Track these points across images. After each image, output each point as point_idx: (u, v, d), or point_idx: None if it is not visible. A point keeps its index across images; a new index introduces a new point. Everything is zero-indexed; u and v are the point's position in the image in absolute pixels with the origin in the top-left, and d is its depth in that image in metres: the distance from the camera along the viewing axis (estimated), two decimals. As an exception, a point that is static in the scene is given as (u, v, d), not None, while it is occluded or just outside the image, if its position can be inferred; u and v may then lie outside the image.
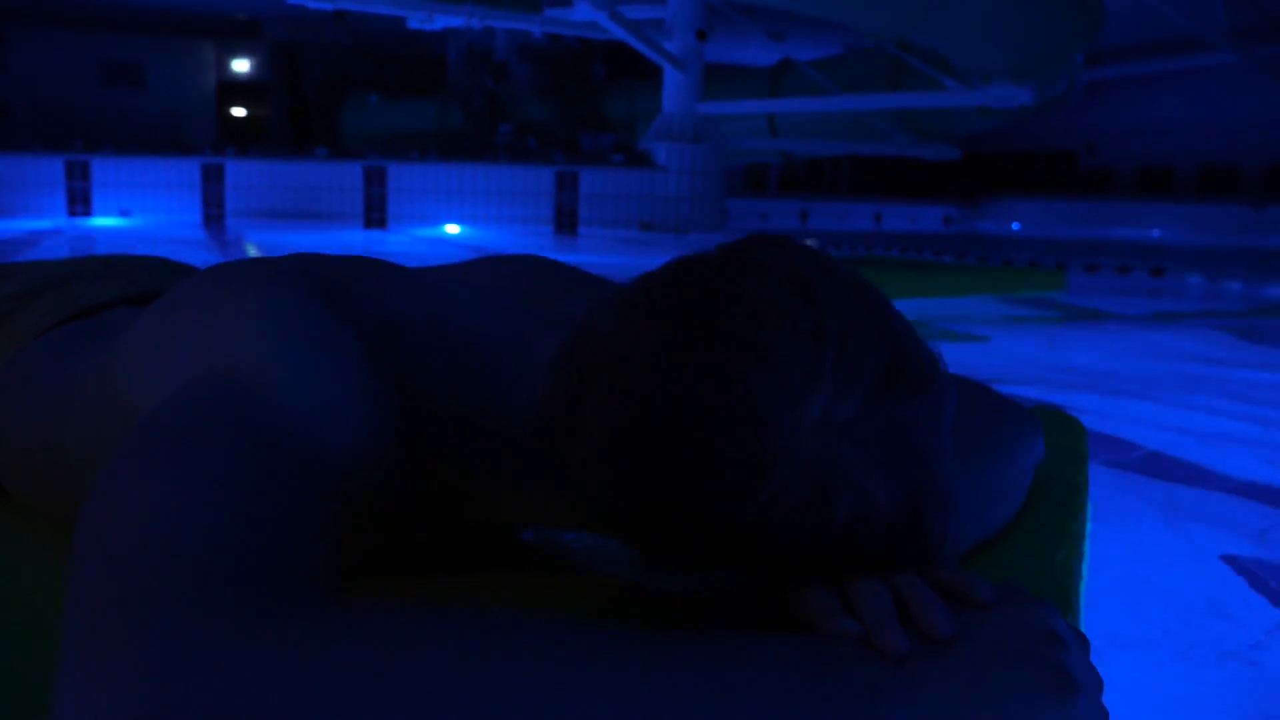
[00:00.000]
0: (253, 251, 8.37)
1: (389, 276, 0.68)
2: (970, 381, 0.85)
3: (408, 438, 0.61)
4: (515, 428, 0.61)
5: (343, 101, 22.24)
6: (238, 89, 24.43)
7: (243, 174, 13.69)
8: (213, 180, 13.62)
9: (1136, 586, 1.61)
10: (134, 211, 13.34)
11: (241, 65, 24.36)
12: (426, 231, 12.59)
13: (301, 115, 23.95)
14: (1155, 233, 22.15)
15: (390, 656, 0.38)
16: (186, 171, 13.58)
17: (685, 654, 0.43)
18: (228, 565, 0.41)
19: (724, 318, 0.49)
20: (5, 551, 0.81)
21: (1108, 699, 0.48)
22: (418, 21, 15.13)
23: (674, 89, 14.55)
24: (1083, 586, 0.75)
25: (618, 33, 13.56)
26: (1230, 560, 1.65)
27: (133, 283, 1.00)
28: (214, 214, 13.59)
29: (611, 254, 9.69)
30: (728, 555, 0.50)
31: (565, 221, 14.01)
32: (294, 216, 13.65)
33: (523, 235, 12.51)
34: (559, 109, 18.77)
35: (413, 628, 0.40)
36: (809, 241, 0.59)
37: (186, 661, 0.37)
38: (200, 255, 7.70)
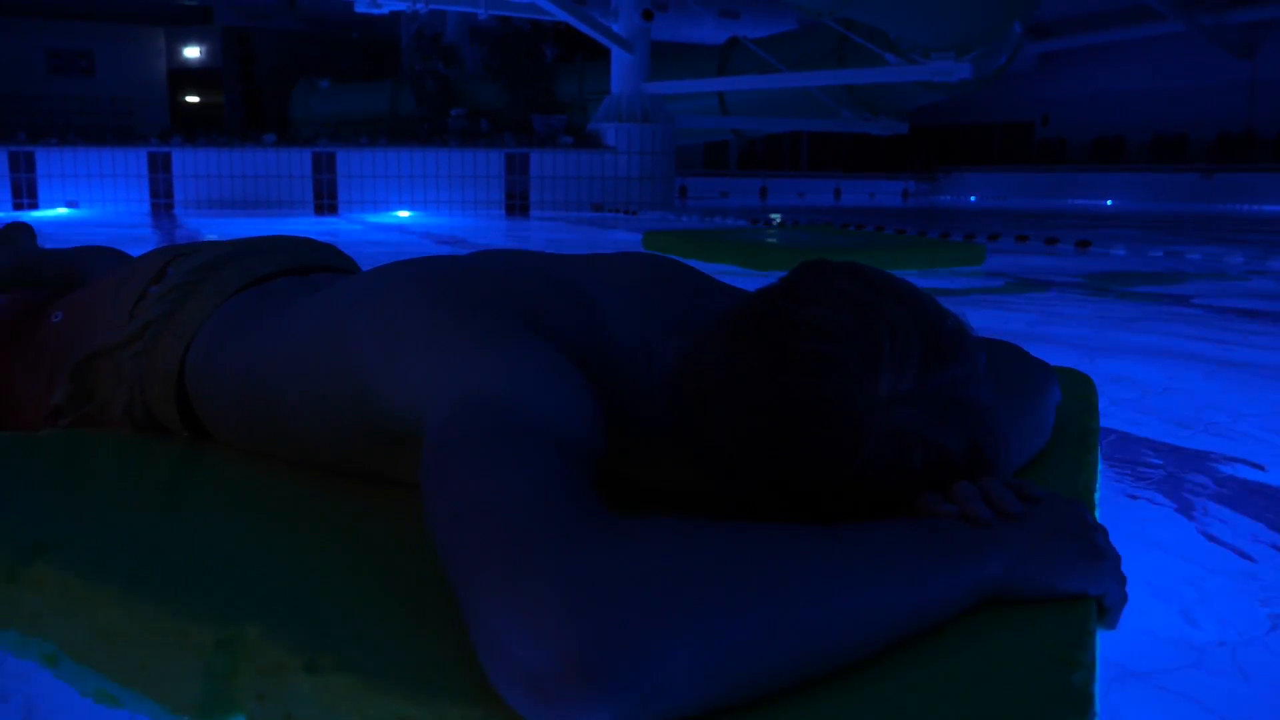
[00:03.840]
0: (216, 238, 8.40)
1: (558, 297, 0.85)
2: (1000, 342, 1.03)
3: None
4: (646, 420, 0.80)
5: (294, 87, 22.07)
6: (189, 76, 24.18)
7: (190, 163, 13.63)
8: (160, 169, 13.55)
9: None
10: (81, 202, 13.27)
11: (192, 52, 24.10)
12: (378, 217, 12.61)
13: (255, 101, 23.75)
14: (1109, 201, 22.43)
15: (699, 541, 0.56)
16: (133, 161, 13.50)
17: (848, 533, 0.60)
18: (569, 509, 0.57)
19: (802, 342, 0.67)
20: (222, 478, 0.98)
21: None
22: (364, 6, 15.09)
23: (621, 70, 14.60)
24: (1097, 501, 0.94)
25: (559, 14, 13.58)
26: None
27: (292, 257, 1.18)
28: (162, 204, 13.54)
29: (563, 232, 9.76)
30: (842, 504, 0.67)
31: (516, 204, 14.06)
32: (243, 205, 13.62)
33: (475, 218, 12.54)
34: (510, 91, 18.72)
35: (694, 526, 0.57)
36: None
37: (593, 559, 0.52)
38: (150, 248, 7.70)
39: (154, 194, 13.54)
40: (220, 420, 1.02)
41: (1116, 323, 4.10)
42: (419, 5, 14.55)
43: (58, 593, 0.69)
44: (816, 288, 0.71)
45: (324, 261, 1.23)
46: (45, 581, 0.71)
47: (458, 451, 0.64)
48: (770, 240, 7.34)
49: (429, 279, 0.83)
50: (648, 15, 14.39)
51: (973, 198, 25.26)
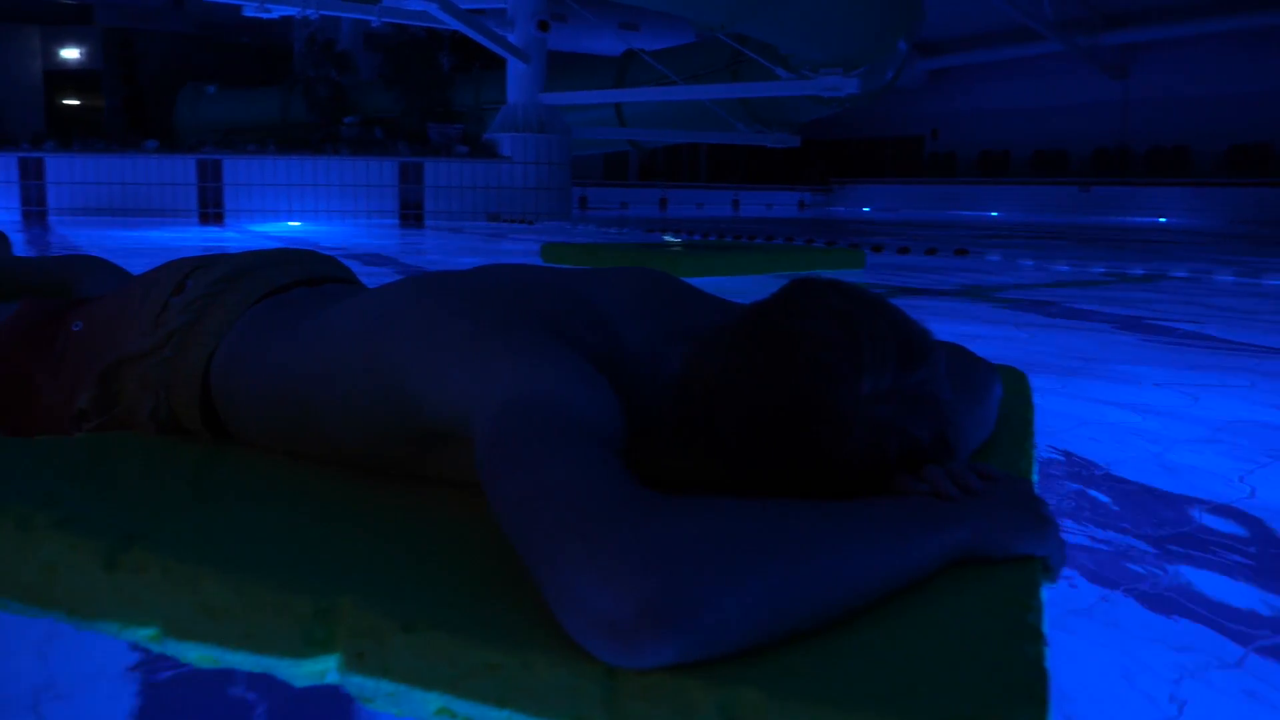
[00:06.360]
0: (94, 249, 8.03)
1: (573, 309, 0.95)
2: (950, 344, 1.14)
3: None
4: (653, 417, 0.89)
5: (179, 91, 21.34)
6: (67, 78, 23.18)
7: (65, 169, 13.06)
8: (32, 176, 12.95)
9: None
10: (-55, 210, 12.61)
11: (71, 53, 23.12)
12: (267, 227, 12.28)
13: (138, 106, 22.89)
14: (994, 213, 23.32)
15: (738, 512, 0.67)
16: (2, 167, 12.87)
17: (847, 508, 0.72)
18: (623, 489, 0.68)
19: (797, 351, 0.79)
20: (265, 472, 1.04)
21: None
22: (253, 10, 14.70)
23: (517, 80, 14.55)
24: (1035, 480, 1.07)
25: (452, 23, 13.46)
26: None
27: (303, 269, 1.27)
28: (35, 212, 12.94)
29: (461, 255, 9.65)
30: (830, 487, 0.78)
31: (411, 214, 13.88)
32: (124, 213, 13.12)
33: (368, 229, 12.30)
34: (405, 100, 18.44)
35: (730, 501, 0.68)
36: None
37: (653, 528, 0.63)
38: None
39: (25, 201, 12.93)
40: (246, 422, 1.09)
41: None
42: (309, 11, 14.24)
43: (159, 574, 0.75)
44: (808, 303, 0.82)
45: (330, 273, 1.32)
46: (146, 565, 0.76)
47: (518, 445, 0.74)
48: (673, 249, 7.38)
49: (462, 294, 0.95)
50: (543, 26, 14.39)
51: (866, 209, 25.94)
